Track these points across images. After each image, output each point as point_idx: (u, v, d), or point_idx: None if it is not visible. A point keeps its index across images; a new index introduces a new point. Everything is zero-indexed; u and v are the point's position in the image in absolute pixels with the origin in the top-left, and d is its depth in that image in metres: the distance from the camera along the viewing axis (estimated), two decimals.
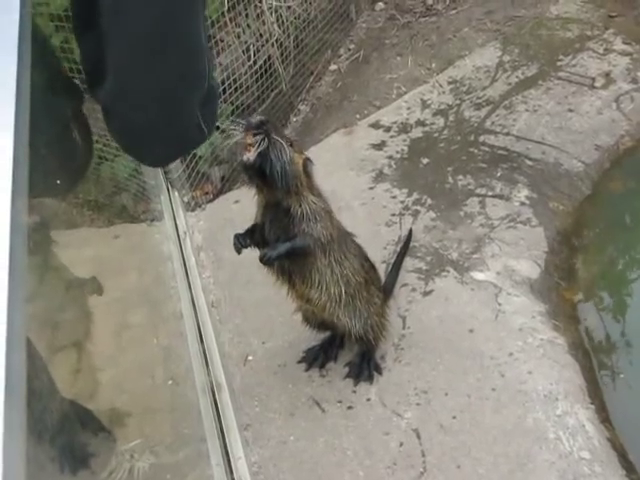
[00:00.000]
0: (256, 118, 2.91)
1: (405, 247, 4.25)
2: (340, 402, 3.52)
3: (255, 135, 2.85)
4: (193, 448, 3.43)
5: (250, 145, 2.86)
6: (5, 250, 1.10)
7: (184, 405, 3.63)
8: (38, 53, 1.67)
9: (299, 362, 3.71)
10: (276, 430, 3.46)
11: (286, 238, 3.13)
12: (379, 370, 3.59)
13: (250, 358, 3.79)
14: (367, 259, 3.50)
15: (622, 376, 3.75)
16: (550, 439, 3.25)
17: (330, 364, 3.71)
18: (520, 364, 3.59)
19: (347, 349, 3.75)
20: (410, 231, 4.36)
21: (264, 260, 3.14)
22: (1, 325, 1.03)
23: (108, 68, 1.70)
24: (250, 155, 2.86)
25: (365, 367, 3.57)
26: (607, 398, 3.62)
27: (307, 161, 3.07)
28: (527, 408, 3.39)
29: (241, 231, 3.24)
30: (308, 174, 3.08)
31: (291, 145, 2.98)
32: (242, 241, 3.20)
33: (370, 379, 3.55)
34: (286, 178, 2.94)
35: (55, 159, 2.02)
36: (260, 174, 2.94)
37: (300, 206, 3.07)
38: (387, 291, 3.87)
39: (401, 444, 3.32)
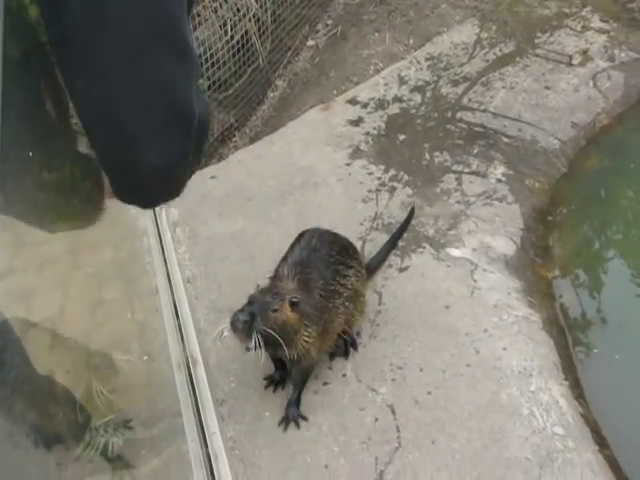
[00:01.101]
0: (240, 319, 3.05)
1: (404, 226, 4.27)
2: (316, 378, 3.52)
3: (244, 337, 3.06)
4: (168, 423, 3.42)
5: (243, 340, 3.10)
6: None
7: (159, 380, 3.63)
8: (12, 24, 1.65)
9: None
10: (251, 406, 3.46)
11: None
12: (355, 346, 3.60)
13: (226, 334, 3.76)
14: (345, 256, 3.56)
15: (596, 352, 3.78)
16: (524, 415, 3.27)
17: None
18: (495, 340, 3.60)
19: None
20: (412, 210, 4.36)
21: (288, 421, 3.39)
22: None
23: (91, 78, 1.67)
24: (249, 346, 3.06)
25: (341, 342, 3.57)
26: (581, 374, 3.65)
27: (292, 301, 3.16)
28: (501, 384, 3.40)
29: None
30: (299, 310, 3.18)
31: (272, 305, 3.11)
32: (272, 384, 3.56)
33: (346, 355, 3.56)
34: (284, 343, 3.12)
35: (28, 132, 1.99)
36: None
37: (296, 349, 3.22)
38: (371, 269, 3.91)
39: (376, 419, 3.33)
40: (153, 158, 1.79)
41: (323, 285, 3.35)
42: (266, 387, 3.51)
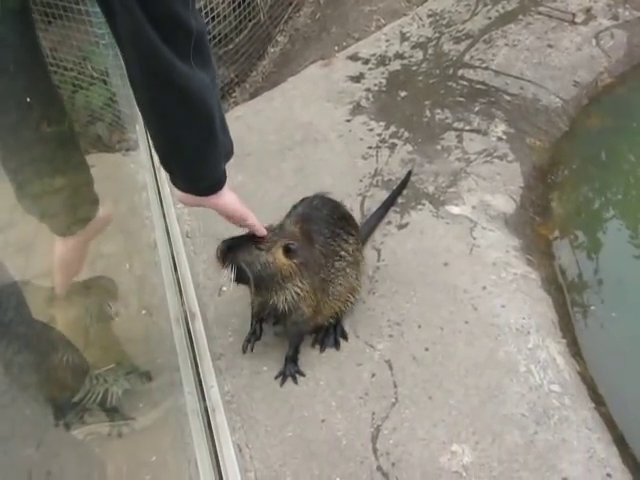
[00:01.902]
0: (218, 250, 3.06)
1: (399, 189, 4.24)
2: (314, 333, 3.53)
3: (224, 267, 3.05)
4: (167, 377, 3.43)
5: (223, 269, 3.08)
6: None
7: (157, 334, 3.63)
8: None
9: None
10: (249, 360, 3.47)
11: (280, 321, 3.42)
12: (345, 336, 3.54)
13: (224, 289, 3.78)
14: (356, 239, 3.53)
15: (594, 311, 3.78)
16: (521, 372, 3.28)
17: None
18: (493, 298, 3.60)
19: None
20: (409, 173, 4.33)
21: (285, 377, 3.39)
22: None
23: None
24: (228, 281, 3.06)
25: (332, 332, 3.53)
26: (578, 333, 3.65)
27: (289, 247, 3.11)
28: (499, 341, 3.41)
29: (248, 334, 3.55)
30: (291, 256, 3.13)
31: (262, 244, 3.09)
32: (254, 339, 3.54)
33: (336, 345, 3.50)
34: (265, 284, 3.14)
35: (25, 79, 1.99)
36: (246, 284, 3.15)
37: (285, 300, 3.19)
38: (363, 237, 3.85)
39: (373, 375, 3.34)
40: None
41: (323, 241, 3.31)
42: (244, 350, 3.51)
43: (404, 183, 4.27)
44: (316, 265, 3.25)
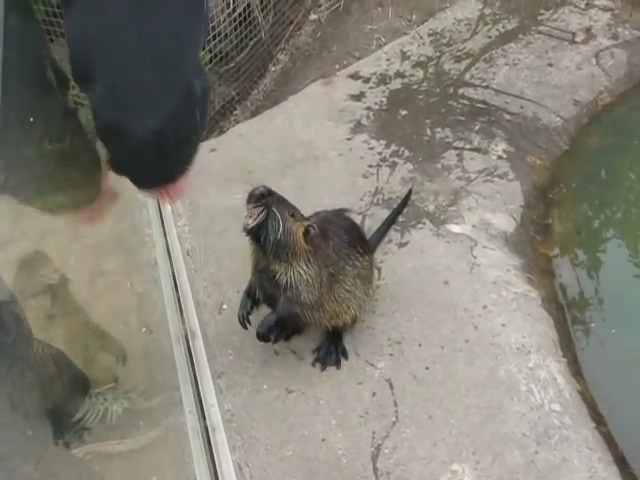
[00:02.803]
0: (259, 189, 3.04)
1: (401, 208, 4.24)
2: (315, 352, 3.53)
3: (255, 207, 3.03)
4: (167, 395, 3.43)
5: (251, 212, 3.04)
6: None
7: (158, 352, 3.63)
8: None
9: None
10: (250, 378, 3.47)
11: (273, 303, 3.31)
12: (345, 355, 3.53)
13: (225, 307, 3.78)
14: (365, 249, 3.51)
15: (595, 330, 3.78)
16: (522, 391, 3.28)
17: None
18: (494, 317, 3.60)
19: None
20: (409, 192, 4.33)
21: (258, 338, 3.31)
22: None
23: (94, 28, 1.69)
24: (249, 222, 3.04)
25: (333, 351, 3.53)
26: (579, 352, 3.65)
27: (309, 228, 3.14)
28: (500, 360, 3.41)
29: (243, 300, 3.41)
30: (309, 241, 3.15)
31: (292, 216, 3.11)
32: (246, 317, 3.39)
33: (337, 364, 3.49)
34: (276, 249, 3.10)
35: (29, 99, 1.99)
36: (257, 239, 3.11)
37: (286, 274, 3.17)
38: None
39: (374, 394, 3.34)
40: (149, 119, 1.80)
41: (339, 244, 3.31)
42: (241, 323, 3.43)
43: (405, 201, 4.27)
44: (327, 258, 3.25)
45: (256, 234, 3.07)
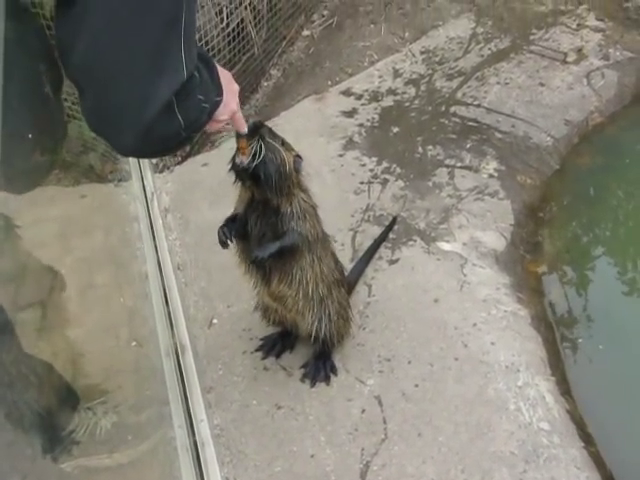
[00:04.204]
0: (250, 121, 2.87)
1: (383, 236, 4.22)
2: (304, 368, 3.53)
3: (249, 139, 2.85)
4: (156, 410, 3.42)
5: (244, 149, 2.86)
6: None
7: (147, 367, 3.63)
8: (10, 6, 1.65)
9: (256, 350, 3.65)
10: (239, 394, 3.46)
11: (272, 235, 3.12)
12: (334, 371, 3.53)
13: (215, 321, 3.78)
14: (337, 260, 3.48)
15: (584, 349, 3.79)
16: (510, 410, 3.28)
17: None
18: (483, 335, 3.61)
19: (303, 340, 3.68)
20: (393, 219, 4.32)
21: (256, 261, 3.13)
22: None
23: (80, 41, 1.72)
24: (244, 159, 2.87)
25: (321, 367, 3.51)
26: (568, 371, 3.66)
27: (297, 158, 3.07)
28: (489, 378, 3.41)
29: (226, 222, 3.20)
30: (297, 170, 3.07)
31: (282, 144, 3.00)
32: (227, 234, 3.13)
33: (327, 380, 3.49)
34: (280, 182, 2.97)
35: (28, 113, 2.00)
36: (253, 176, 2.95)
37: (290, 205, 3.08)
38: (351, 283, 3.83)
39: (363, 411, 3.34)
40: (126, 137, 1.87)
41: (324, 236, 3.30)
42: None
43: (389, 228, 4.26)
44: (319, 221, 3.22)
45: (253, 170, 2.91)
